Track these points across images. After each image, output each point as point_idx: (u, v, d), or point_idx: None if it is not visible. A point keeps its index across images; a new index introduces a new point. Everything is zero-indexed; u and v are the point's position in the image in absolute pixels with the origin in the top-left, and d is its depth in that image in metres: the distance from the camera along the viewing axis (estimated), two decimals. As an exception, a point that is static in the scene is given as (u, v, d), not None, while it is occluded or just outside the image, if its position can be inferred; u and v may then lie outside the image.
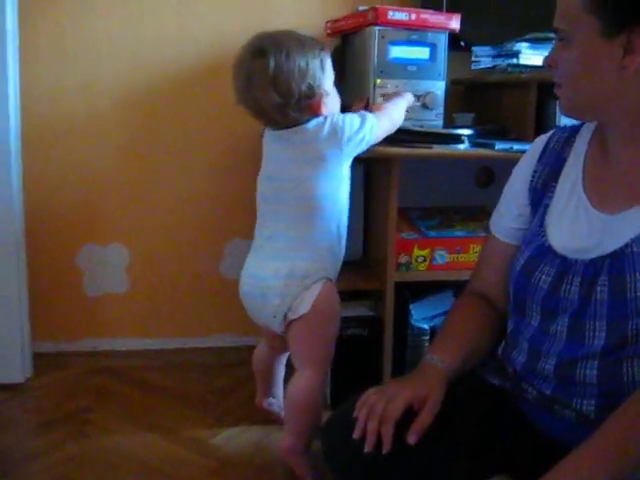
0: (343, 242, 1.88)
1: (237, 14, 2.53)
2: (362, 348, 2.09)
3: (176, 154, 2.59)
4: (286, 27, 2.45)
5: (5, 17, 2.16)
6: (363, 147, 1.82)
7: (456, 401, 1.28)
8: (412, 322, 2.17)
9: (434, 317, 2.19)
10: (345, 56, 2.38)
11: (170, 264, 2.64)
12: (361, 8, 2.19)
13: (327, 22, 2.42)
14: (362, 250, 2.28)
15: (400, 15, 2.07)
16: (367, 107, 2.01)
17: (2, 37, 2.16)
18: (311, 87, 1.73)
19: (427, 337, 2.17)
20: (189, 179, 2.61)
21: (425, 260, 2.11)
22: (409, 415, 1.19)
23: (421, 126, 2.08)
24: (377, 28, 2.07)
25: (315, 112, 1.77)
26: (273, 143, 1.84)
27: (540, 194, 1.33)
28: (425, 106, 2.12)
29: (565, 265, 1.23)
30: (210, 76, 2.51)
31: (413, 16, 2.08)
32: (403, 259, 2.08)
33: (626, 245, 1.16)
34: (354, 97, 2.19)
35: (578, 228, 1.24)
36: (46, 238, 2.57)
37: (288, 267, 1.78)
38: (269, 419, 2.12)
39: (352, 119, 1.79)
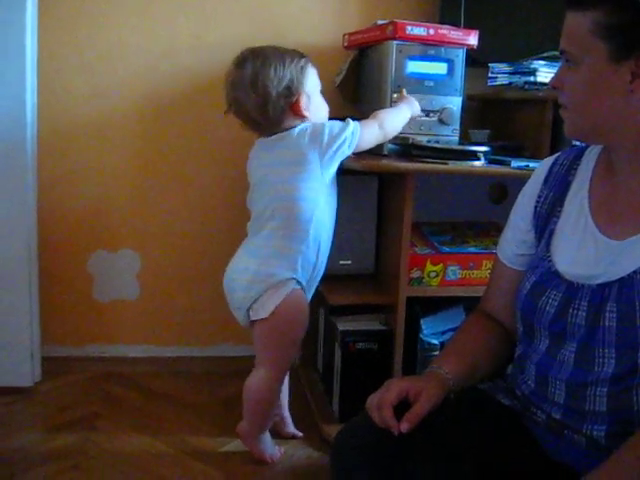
0: (322, 252, 1.93)
1: (253, 26, 2.54)
2: (372, 362, 2.08)
3: (188, 161, 2.60)
4: (303, 39, 2.50)
5: (25, 24, 2.18)
6: (346, 152, 1.88)
7: (465, 418, 1.29)
8: (422, 337, 2.17)
9: (444, 332, 2.18)
10: (362, 69, 2.38)
11: (181, 271, 2.64)
12: (380, 22, 2.19)
13: (345, 34, 2.42)
14: (374, 264, 2.27)
15: (418, 30, 2.07)
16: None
17: (21, 44, 2.18)
18: (289, 88, 1.85)
19: (437, 352, 2.16)
20: (201, 186, 2.62)
21: (437, 275, 2.10)
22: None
23: (437, 141, 2.08)
24: (395, 42, 2.07)
25: (296, 113, 1.87)
26: (262, 152, 1.95)
27: (545, 218, 1.33)
28: (442, 121, 2.12)
29: (572, 290, 1.22)
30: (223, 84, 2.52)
31: (431, 31, 2.09)
32: (415, 274, 2.08)
33: (634, 272, 1.15)
34: (370, 110, 2.19)
35: (585, 254, 1.23)
36: (57, 243, 2.58)
37: (257, 264, 1.88)
38: (276, 431, 2.12)
39: (333, 124, 1.88)
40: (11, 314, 2.29)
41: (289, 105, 1.86)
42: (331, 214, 1.94)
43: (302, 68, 1.87)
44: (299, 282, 1.90)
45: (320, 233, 1.90)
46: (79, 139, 2.55)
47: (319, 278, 1.99)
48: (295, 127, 1.87)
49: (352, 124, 1.88)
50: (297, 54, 1.89)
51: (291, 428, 2.15)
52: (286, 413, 2.15)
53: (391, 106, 2.07)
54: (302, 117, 1.88)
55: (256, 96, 1.84)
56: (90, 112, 2.54)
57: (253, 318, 1.90)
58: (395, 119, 1.99)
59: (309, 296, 1.97)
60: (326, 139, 1.85)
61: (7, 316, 2.29)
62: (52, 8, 2.41)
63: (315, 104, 1.92)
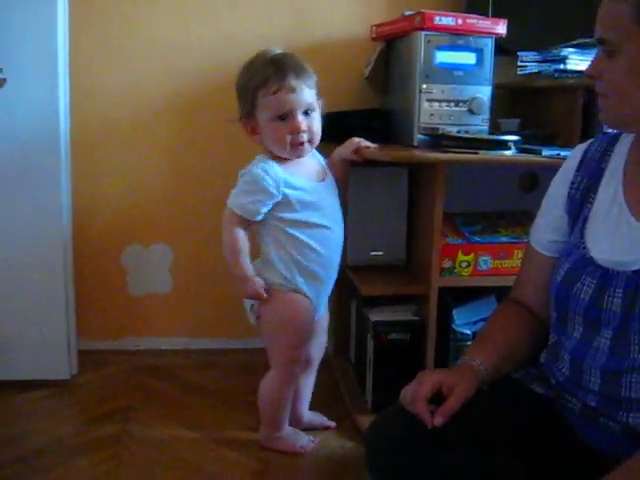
0: (312, 258, 1.90)
1: (282, 19, 2.55)
2: (404, 352, 2.09)
3: (218, 156, 2.61)
4: (331, 32, 2.49)
5: (56, 23, 2.20)
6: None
7: (499, 407, 1.30)
8: (454, 327, 2.17)
9: (476, 322, 2.18)
10: (390, 60, 2.38)
11: (213, 265, 2.65)
12: (407, 13, 2.19)
13: (372, 26, 2.43)
14: (406, 255, 2.28)
15: (446, 20, 2.07)
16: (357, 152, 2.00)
17: (53, 43, 2.21)
18: (243, 110, 1.88)
19: (469, 342, 2.15)
20: (231, 180, 2.62)
21: (469, 265, 2.10)
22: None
23: (467, 131, 2.08)
24: (423, 33, 2.07)
25: (250, 135, 1.91)
26: None
27: (579, 205, 1.32)
28: (471, 111, 2.11)
29: (607, 277, 1.22)
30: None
31: (460, 21, 2.08)
32: (447, 264, 2.08)
33: None
34: (400, 101, 2.20)
35: (619, 240, 1.23)
36: (91, 239, 2.61)
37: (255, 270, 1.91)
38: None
39: (236, 192, 1.89)
40: (47, 308, 2.33)
41: (245, 125, 1.93)
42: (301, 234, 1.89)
43: (253, 96, 1.85)
44: (287, 285, 1.91)
45: (294, 249, 1.89)
46: (111, 136, 2.58)
47: (331, 277, 1.98)
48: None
49: (230, 202, 1.88)
50: (259, 78, 1.83)
51: (313, 421, 2.16)
52: (300, 412, 2.14)
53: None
54: (254, 138, 1.93)
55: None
56: (122, 109, 2.57)
57: (251, 320, 1.99)
58: (230, 256, 1.90)
59: (317, 297, 1.96)
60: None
61: (45, 311, 2.33)
62: (83, 7, 2.43)
63: (265, 131, 1.88)
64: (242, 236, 1.87)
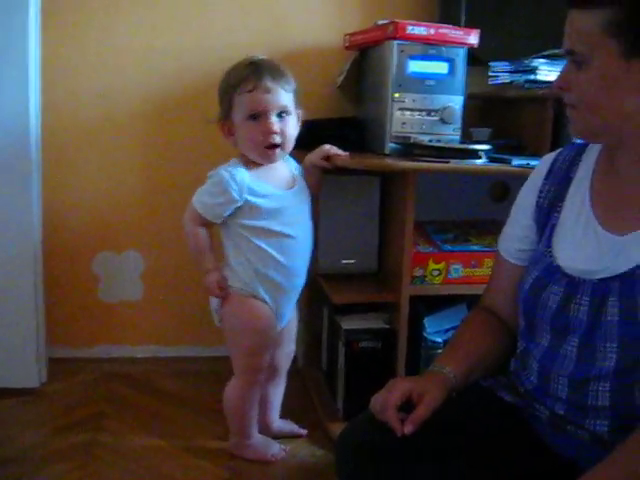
0: (267, 270, 1.90)
1: (255, 26, 2.55)
2: (375, 360, 2.09)
3: (191, 162, 2.60)
4: (304, 40, 2.49)
5: (28, 26, 2.19)
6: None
7: (468, 415, 1.30)
8: (425, 335, 2.18)
9: (447, 330, 2.19)
10: (363, 69, 2.39)
11: (185, 272, 2.65)
12: (380, 22, 2.20)
13: (346, 35, 2.43)
14: (377, 263, 2.28)
15: (419, 30, 2.08)
16: (328, 159, 2.00)
17: (24, 46, 2.19)
18: (221, 111, 1.90)
19: (440, 350, 2.16)
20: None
21: (440, 274, 2.11)
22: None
23: (438, 140, 2.09)
24: (396, 42, 2.08)
25: (226, 136, 1.93)
26: None
27: (547, 214, 1.33)
28: (443, 120, 2.13)
29: (573, 285, 1.23)
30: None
31: (432, 31, 2.09)
32: (418, 272, 2.09)
33: (636, 267, 1.15)
34: (373, 111, 2.20)
35: (586, 248, 1.23)
36: (62, 244, 2.59)
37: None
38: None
39: (201, 191, 1.91)
40: (17, 315, 2.30)
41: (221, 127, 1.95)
42: (262, 245, 1.90)
43: (230, 97, 1.88)
44: (246, 290, 1.91)
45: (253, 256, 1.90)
46: (83, 140, 2.56)
47: (295, 286, 1.99)
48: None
49: (195, 198, 1.91)
50: (238, 79, 1.86)
51: (283, 429, 2.16)
52: (269, 420, 2.14)
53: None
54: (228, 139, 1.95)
55: None
56: (94, 113, 2.55)
57: (215, 321, 2.01)
58: (194, 251, 1.95)
59: (279, 306, 1.96)
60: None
61: (13, 317, 2.30)
62: (55, 10, 2.42)
63: (240, 132, 1.90)
64: (203, 234, 1.90)
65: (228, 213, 1.87)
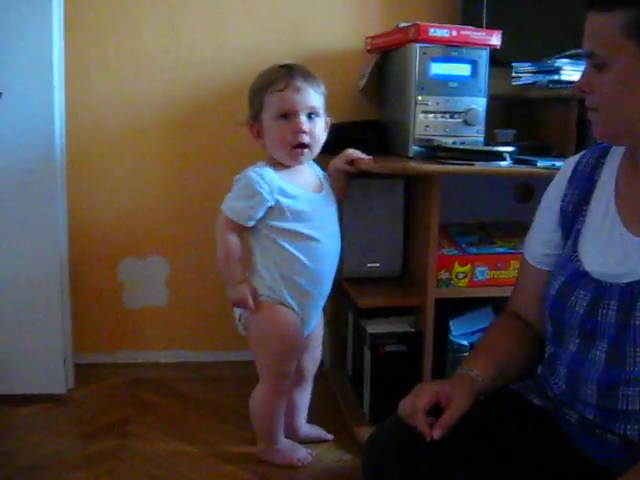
0: (293, 274, 1.90)
1: (277, 31, 2.56)
2: (401, 364, 2.09)
3: (214, 168, 2.61)
4: (326, 44, 2.49)
5: (52, 38, 2.21)
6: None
7: (497, 419, 1.30)
8: (451, 338, 2.17)
9: (473, 333, 2.18)
10: (385, 72, 2.39)
11: (209, 277, 2.65)
12: (402, 24, 2.20)
13: (367, 38, 2.43)
14: (402, 266, 2.28)
15: (441, 32, 2.08)
16: (352, 163, 2.01)
17: (49, 57, 2.21)
18: (251, 112, 1.91)
19: (466, 353, 2.15)
20: (227, 192, 2.62)
21: (465, 276, 2.10)
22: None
23: (462, 142, 2.08)
24: (418, 45, 2.08)
25: (255, 138, 1.93)
26: None
27: (572, 218, 1.32)
28: (467, 122, 2.12)
29: (600, 289, 1.22)
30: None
31: (454, 33, 2.09)
32: (443, 275, 2.08)
33: None
34: (396, 113, 2.20)
35: (612, 252, 1.23)
36: (87, 251, 2.61)
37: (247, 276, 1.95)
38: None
39: (231, 196, 1.90)
40: (44, 322, 2.32)
41: (251, 128, 1.95)
42: (291, 249, 1.89)
43: (262, 99, 1.88)
44: (272, 296, 1.91)
45: (276, 264, 1.90)
46: (107, 149, 2.58)
47: (322, 293, 1.98)
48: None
49: (226, 203, 1.90)
50: (269, 82, 1.87)
51: (310, 434, 2.15)
52: (296, 425, 2.13)
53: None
54: (258, 142, 1.95)
55: None
56: (117, 122, 2.57)
57: (239, 330, 2.01)
58: (222, 261, 1.92)
59: (306, 312, 1.96)
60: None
61: (40, 324, 2.32)
62: (78, 21, 2.44)
63: (268, 132, 1.90)
64: (234, 241, 1.88)
65: (260, 215, 1.86)
